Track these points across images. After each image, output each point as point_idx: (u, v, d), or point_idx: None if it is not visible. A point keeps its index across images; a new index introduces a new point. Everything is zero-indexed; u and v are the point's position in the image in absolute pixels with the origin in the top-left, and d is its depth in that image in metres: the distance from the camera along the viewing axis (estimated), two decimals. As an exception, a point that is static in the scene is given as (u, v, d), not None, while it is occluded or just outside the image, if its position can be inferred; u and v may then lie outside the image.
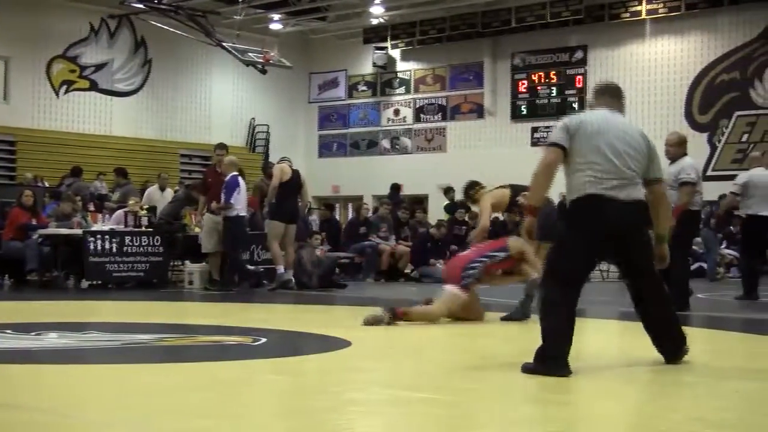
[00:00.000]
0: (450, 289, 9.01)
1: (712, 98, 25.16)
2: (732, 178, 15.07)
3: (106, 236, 14.08)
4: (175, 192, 16.90)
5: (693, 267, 19.80)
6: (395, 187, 22.55)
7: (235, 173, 13.98)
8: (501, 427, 4.29)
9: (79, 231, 14.20)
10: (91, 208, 16.71)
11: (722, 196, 19.53)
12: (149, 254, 14.44)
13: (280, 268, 14.31)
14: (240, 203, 13.88)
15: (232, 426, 4.22)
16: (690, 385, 5.65)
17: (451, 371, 6.14)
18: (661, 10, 25.44)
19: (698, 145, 25.06)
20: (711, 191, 20.38)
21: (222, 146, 15.34)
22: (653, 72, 26.01)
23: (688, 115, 25.51)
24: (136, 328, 8.33)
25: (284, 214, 14.37)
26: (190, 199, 15.03)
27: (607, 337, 8.52)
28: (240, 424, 4.25)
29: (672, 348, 6.25)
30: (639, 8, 25.67)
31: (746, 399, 5.09)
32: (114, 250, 14.03)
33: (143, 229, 14.67)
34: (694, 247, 20.24)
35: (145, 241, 14.38)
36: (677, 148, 10.72)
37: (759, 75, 24.62)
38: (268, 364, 6.30)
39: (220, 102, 29.78)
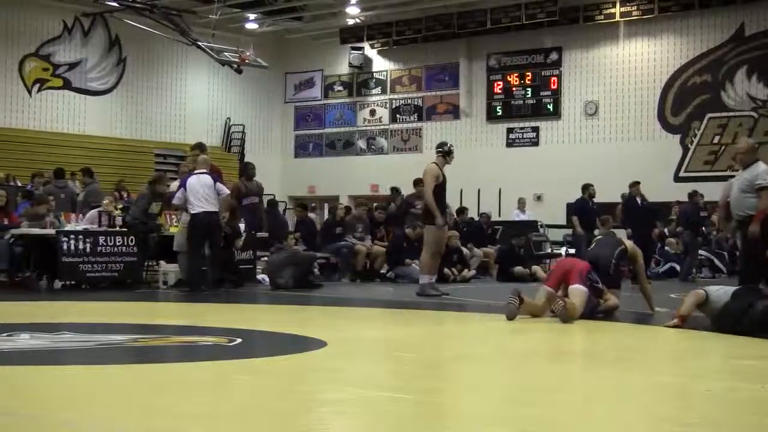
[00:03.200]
0: (581, 287, 9.31)
1: (685, 100, 25.34)
2: (703, 179, 15.20)
3: (80, 236, 13.99)
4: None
5: (665, 268, 19.90)
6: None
7: (189, 173, 13.96)
8: (473, 427, 4.31)
9: (52, 231, 14.11)
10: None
11: (692, 194, 19.63)
12: (123, 254, 14.35)
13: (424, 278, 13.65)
14: (192, 203, 13.55)
15: (203, 426, 4.23)
16: (663, 385, 5.69)
17: (425, 371, 6.17)
18: (634, 13, 25.62)
19: (670, 146, 25.30)
20: (683, 192, 20.57)
21: (196, 146, 15.08)
22: (627, 74, 26.17)
23: (661, 117, 25.68)
24: (110, 328, 8.31)
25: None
26: (154, 194, 14.95)
27: (584, 337, 8.56)
28: (211, 425, 4.26)
29: None
30: (613, 11, 25.84)
31: (715, 398, 5.14)
32: (88, 250, 13.93)
33: (117, 229, 14.60)
34: (666, 248, 20.39)
35: (119, 241, 14.29)
36: (749, 155, 10.86)
37: (730, 78, 24.82)
38: (242, 365, 6.29)
39: (195, 101, 29.72)
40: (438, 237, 13.45)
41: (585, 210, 18.76)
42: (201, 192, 13.56)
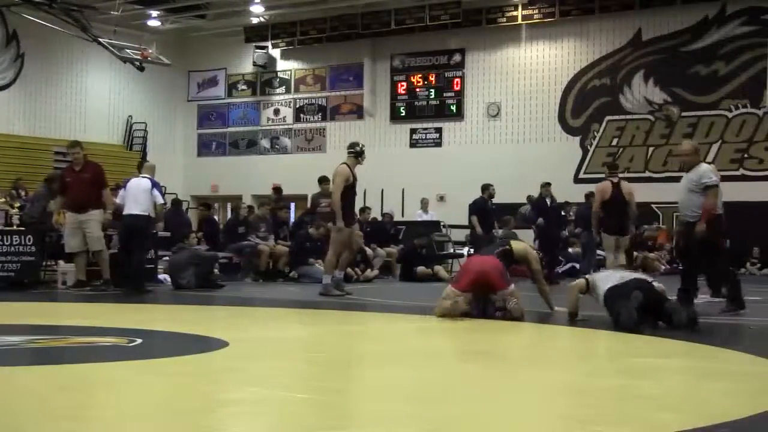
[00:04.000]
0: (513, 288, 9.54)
1: (584, 103, 25.84)
2: (602, 180, 15.66)
3: (-25, 235, 13.69)
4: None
5: (565, 267, 20.24)
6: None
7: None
8: (377, 425, 4.34)
9: (-54, 230, 13.78)
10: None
11: (589, 195, 20.03)
12: (21, 254, 14.07)
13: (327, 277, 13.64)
14: (125, 203, 14.00)
15: (100, 428, 4.18)
16: (561, 383, 5.81)
17: (328, 370, 6.18)
18: (536, 16, 26.03)
19: (570, 148, 25.77)
20: (583, 193, 20.95)
21: (76, 144, 14.88)
22: (529, 76, 26.55)
23: (561, 119, 26.12)
24: (6, 329, 8.14)
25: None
26: (52, 192, 14.74)
27: (486, 337, 8.68)
28: (108, 426, 4.21)
29: None
30: (515, 14, 26.21)
31: (610, 395, 5.26)
32: (-17, 249, 13.65)
33: (14, 228, 14.31)
34: (570, 250, 20.73)
35: (16, 240, 14.02)
36: (692, 157, 11.01)
37: (628, 81, 25.39)
38: (142, 365, 6.22)
39: (96, 99, 29.25)
40: (345, 237, 13.47)
41: (484, 210, 18.94)
42: (134, 195, 13.92)
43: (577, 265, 20.13)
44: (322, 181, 18.96)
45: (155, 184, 14.27)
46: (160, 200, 14.28)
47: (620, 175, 15.39)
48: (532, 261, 10.54)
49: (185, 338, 7.80)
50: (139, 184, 14.10)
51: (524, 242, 11.59)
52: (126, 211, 13.95)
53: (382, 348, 7.71)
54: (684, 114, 24.80)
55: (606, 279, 9.11)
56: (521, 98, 26.58)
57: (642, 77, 25.28)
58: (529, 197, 20.56)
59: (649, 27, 25.24)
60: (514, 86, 26.72)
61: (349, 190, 13.34)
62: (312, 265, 17.79)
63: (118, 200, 14.35)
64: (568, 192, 23.09)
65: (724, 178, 12.24)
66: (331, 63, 29.67)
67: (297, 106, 30.30)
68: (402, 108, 28.36)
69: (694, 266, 11.10)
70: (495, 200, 19.28)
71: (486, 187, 19.17)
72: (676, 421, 4.38)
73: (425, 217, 23.97)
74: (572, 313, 9.32)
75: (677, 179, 13.30)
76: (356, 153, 13.54)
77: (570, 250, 20.89)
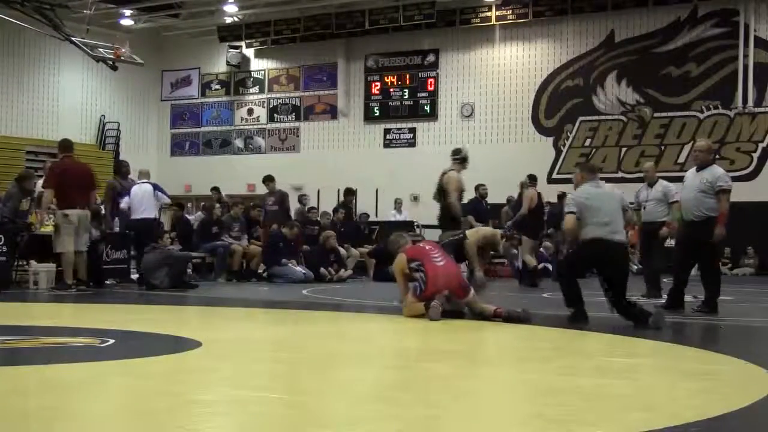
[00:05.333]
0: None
1: (558, 104, 25.93)
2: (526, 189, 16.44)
3: (-54, 235, 13.57)
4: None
5: (538, 267, 20.26)
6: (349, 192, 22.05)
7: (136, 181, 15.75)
8: (344, 426, 4.34)
9: None
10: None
11: (562, 196, 20.11)
12: (-8, 254, 13.98)
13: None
14: (131, 208, 15.22)
15: (69, 429, 4.16)
16: (534, 382, 5.82)
17: (300, 371, 6.17)
18: (509, 17, 26.10)
19: (544, 149, 25.84)
20: (555, 194, 21.03)
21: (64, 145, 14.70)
22: (502, 77, 26.63)
23: (535, 120, 26.21)
24: (-23, 330, 8.08)
25: None
26: (24, 191, 14.64)
27: (460, 336, 8.69)
28: (75, 426, 4.19)
29: None
30: (489, 14, 26.28)
31: (584, 394, 5.28)
32: (-46, 249, 13.54)
33: (-14, 228, 14.21)
34: (540, 249, 20.77)
35: (-13, 241, 13.92)
36: (706, 155, 11.01)
37: (601, 82, 25.50)
38: (113, 366, 6.19)
39: (69, 98, 29.08)
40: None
41: (478, 210, 18.94)
42: (140, 200, 15.11)
43: (549, 266, 20.18)
44: (268, 180, 19.03)
45: (156, 187, 15.44)
46: (166, 200, 15.79)
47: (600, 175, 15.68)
48: (490, 235, 10.84)
49: (158, 338, 7.77)
50: (142, 190, 15.22)
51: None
52: (134, 216, 15.13)
53: (355, 348, 7.71)
54: (656, 115, 24.94)
55: (596, 213, 9.16)
56: (495, 99, 26.65)
57: (615, 78, 25.41)
58: (509, 198, 20.64)
59: (621, 28, 25.38)
60: (488, 87, 26.79)
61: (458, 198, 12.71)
62: (285, 265, 17.75)
63: (123, 206, 15.53)
64: (543, 192, 23.17)
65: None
66: (305, 63, 29.64)
67: (271, 105, 30.25)
68: (376, 108, 28.37)
69: (687, 265, 11.15)
70: (486, 199, 19.46)
71: (477, 187, 19.20)
72: (647, 420, 4.40)
73: (399, 218, 23.98)
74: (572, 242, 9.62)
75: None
76: (461, 159, 12.93)
77: (542, 249, 20.91)
